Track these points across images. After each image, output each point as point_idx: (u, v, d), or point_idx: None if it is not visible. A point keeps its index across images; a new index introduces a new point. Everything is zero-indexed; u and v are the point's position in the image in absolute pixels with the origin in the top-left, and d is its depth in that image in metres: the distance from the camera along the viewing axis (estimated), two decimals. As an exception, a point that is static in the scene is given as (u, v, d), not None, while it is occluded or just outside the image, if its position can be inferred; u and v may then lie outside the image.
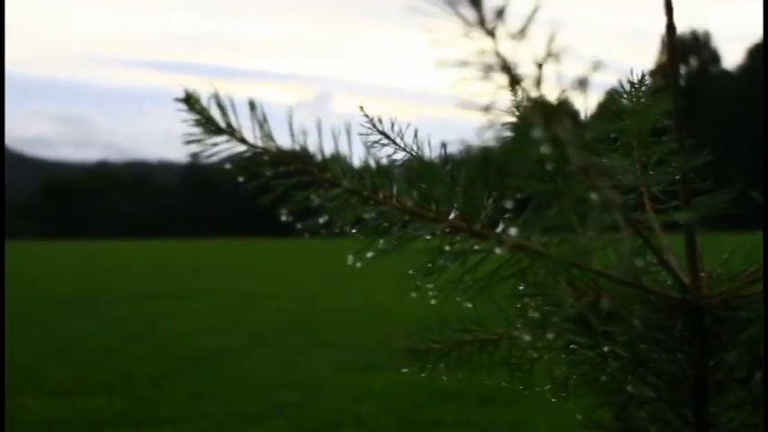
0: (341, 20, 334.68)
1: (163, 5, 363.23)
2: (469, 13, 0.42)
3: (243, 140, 0.59)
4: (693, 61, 77.27)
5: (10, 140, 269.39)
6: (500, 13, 0.40)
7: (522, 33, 0.41)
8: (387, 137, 1.20)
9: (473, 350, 1.03)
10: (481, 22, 0.40)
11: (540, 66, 0.41)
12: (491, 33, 0.42)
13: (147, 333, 10.18)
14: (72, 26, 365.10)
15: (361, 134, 1.16)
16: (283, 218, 0.63)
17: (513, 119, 0.53)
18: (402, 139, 1.20)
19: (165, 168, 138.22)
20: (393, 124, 1.20)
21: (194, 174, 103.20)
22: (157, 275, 22.55)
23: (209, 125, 0.56)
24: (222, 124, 0.58)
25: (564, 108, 0.46)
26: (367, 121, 1.19)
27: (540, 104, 0.44)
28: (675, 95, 0.73)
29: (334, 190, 0.63)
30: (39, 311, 12.75)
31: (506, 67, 0.43)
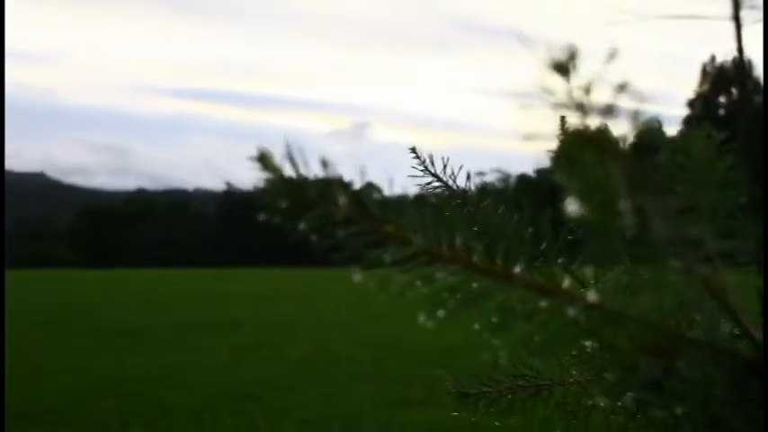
0: (377, 48, 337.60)
1: (202, 35, 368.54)
2: (516, 44, 0.41)
3: (315, 202, 0.57)
4: (736, 91, 76.50)
5: (49, 169, 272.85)
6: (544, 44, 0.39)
7: (568, 62, 0.41)
8: (439, 179, 1.18)
9: (526, 396, 1.00)
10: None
11: (586, 94, 0.41)
12: (538, 62, 0.42)
13: (189, 364, 10.16)
14: (115, 55, 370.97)
15: (411, 176, 1.13)
16: (356, 277, 0.62)
17: (564, 150, 0.53)
18: (454, 181, 1.18)
19: (202, 196, 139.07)
20: (445, 166, 1.18)
21: (231, 201, 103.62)
22: (197, 305, 22.58)
23: (283, 184, 0.55)
24: (294, 180, 0.57)
25: (613, 142, 0.46)
26: (419, 164, 1.17)
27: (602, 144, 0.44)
28: (742, 144, 0.72)
29: (405, 249, 0.62)
30: (79, 341, 12.79)
31: (555, 97, 0.42)
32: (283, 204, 0.59)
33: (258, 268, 55.83)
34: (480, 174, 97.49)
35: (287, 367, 9.76)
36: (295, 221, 0.60)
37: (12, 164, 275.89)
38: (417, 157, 1.17)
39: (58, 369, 9.15)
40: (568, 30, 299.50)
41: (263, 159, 0.58)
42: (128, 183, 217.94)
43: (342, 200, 0.59)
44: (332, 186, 0.61)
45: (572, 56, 0.41)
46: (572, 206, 0.53)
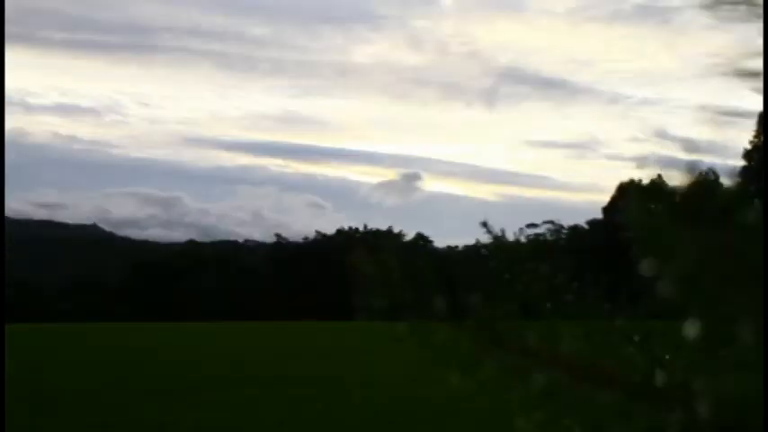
0: (425, 98, 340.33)
1: (250, 88, 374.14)
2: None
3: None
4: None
5: (102, 221, 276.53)
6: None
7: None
8: (510, 251, 1.07)
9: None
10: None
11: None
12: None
13: (245, 421, 9.76)
14: (165, 109, 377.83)
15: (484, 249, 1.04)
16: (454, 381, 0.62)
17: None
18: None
19: (251, 248, 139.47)
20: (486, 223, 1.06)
21: (281, 253, 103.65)
22: (250, 360, 22.17)
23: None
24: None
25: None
26: (493, 242, 1.06)
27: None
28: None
29: (507, 355, 0.62)
30: (134, 396, 12.43)
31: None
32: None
33: (308, 321, 55.40)
34: (532, 226, 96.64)
35: (338, 429, 9.35)
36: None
37: (65, 217, 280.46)
38: (489, 231, 1.05)
39: (116, 423, 8.72)
40: (618, 81, 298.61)
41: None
42: (178, 235, 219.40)
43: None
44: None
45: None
46: (648, 263, 0.52)
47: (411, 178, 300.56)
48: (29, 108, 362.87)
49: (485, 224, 0.91)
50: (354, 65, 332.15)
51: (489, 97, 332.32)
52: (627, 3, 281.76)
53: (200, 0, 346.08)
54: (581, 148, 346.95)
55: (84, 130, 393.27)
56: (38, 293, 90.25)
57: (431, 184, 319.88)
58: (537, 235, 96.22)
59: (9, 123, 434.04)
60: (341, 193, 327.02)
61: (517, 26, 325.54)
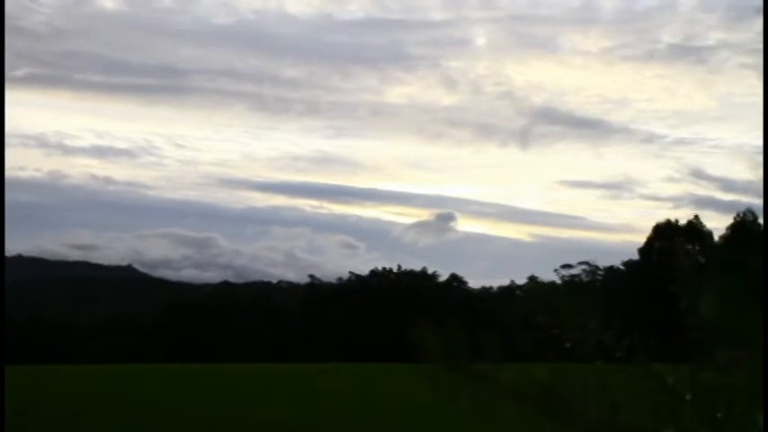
0: (458, 138, 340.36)
1: (283, 129, 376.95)
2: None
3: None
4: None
5: (136, 263, 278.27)
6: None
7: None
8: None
9: None
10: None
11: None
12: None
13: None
14: (199, 150, 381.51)
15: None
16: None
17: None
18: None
19: (285, 289, 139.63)
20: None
21: (314, 294, 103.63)
22: (283, 402, 22.06)
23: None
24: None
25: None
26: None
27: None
28: None
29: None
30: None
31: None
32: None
33: (343, 363, 55.15)
34: (567, 267, 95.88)
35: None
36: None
37: (100, 258, 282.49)
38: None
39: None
40: (653, 120, 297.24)
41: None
42: (212, 275, 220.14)
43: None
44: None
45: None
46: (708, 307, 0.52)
47: (445, 218, 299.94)
48: (66, 150, 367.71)
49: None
50: (388, 105, 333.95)
51: (523, 137, 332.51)
52: (661, 42, 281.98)
53: (234, 42, 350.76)
54: (616, 188, 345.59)
55: (119, 171, 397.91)
56: (73, 334, 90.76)
57: (464, 225, 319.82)
58: (572, 276, 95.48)
59: (47, 166, 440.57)
60: (374, 233, 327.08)
61: (551, 66, 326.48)
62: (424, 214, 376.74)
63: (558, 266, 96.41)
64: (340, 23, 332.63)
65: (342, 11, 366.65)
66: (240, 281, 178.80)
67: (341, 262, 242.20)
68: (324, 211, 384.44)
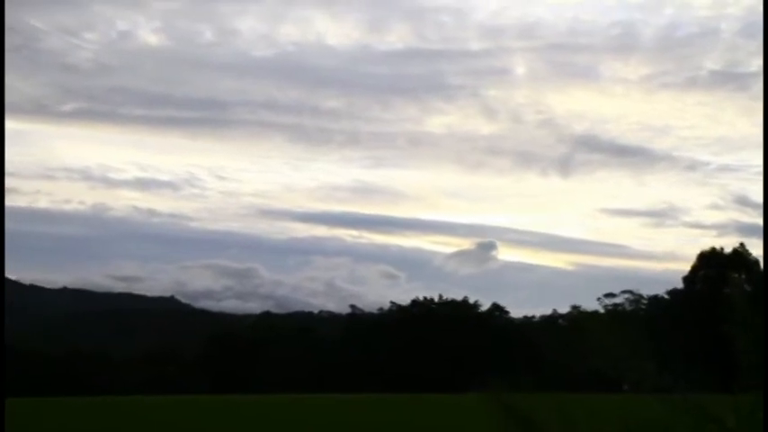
0: (498, 167, 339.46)
1: (324, 160, 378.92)
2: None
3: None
4: None
5: (179, 294, 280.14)
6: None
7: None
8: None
9: None
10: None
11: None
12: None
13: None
14: (240, 182, 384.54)
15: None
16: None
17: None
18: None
19: (326, 319, 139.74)
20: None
21: (356, 324, 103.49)
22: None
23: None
24: None
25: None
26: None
27: None
28: None
29: None
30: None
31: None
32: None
33: (384, 394, 55.00)
34: (610, 296, 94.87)
35: None
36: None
37: (143, 289, 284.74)
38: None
39: None
40: (696, 148, 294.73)
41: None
42: (253, 306, 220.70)
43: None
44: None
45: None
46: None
47: (485, 247, 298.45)
48: (110, 183, 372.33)
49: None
50: (428, 135, 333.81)
51: (564, 165, 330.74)
52: (703, 69, 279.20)
53: (274, 74, 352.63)
54: (659, 215, 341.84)
55: (162, 203, 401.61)
56: (117, 365, 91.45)
57: (505, 254, 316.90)
58: (615, 305, 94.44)
59: (92, 198, 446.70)
60: (415, 263, 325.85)
61: (591, 94, 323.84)
62: (465, 243, 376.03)
63: (600, 295, 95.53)
64: (379, 54, 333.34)
65: (381, 42, 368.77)
66: (281, 311, 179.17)
67: (382, 292, 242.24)
68: (364, 240, 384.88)
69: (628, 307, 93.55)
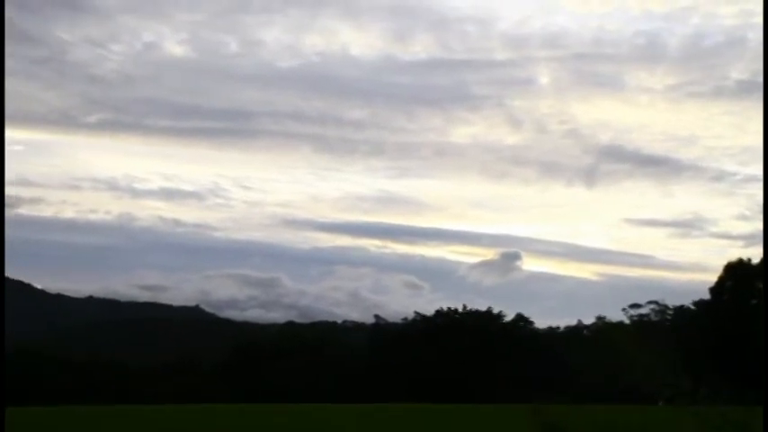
0: (523, 177, 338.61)
1: (348, 170, 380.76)
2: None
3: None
4: None
5: (204, 304, 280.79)
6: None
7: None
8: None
9: None
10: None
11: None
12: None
13: None
14: (264, 192, 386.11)
15: None
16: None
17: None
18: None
19: (350, 329, 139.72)
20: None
21: (380, 334, 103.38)
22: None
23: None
24: None
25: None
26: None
27: None
28: None
29: None
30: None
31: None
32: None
33: (408, 404, 54.81)
34: (635, 306, 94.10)
35: None
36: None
37: (168, 298, 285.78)
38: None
39: None
40: (723, 158, 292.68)
41: None
42: (277, 316, 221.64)
43: None
44: None
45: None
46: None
47: (510, 258, 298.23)
48: (135, 193, 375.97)
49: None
50: (452, 145, 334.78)
51: (589, 175, 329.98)
52: (729, 79, 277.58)
53: (299, 84, 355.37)
54: (685, 226, 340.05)
55: (187, 213, 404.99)
56: (142, 374, 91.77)
57: (530, 264, 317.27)
58: (641, 316, 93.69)
59: (117, 208, 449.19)
60: (439, 272, 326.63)
61: (616, 104, 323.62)
62: (489, 253, 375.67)
63: (626, 306, 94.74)
64: (404, 64, 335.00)
65: (405, 52, 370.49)
66: (305, 321, 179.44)
67: (405, 302, 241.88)
68: (388, 250, 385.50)
69: (653, 318, 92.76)
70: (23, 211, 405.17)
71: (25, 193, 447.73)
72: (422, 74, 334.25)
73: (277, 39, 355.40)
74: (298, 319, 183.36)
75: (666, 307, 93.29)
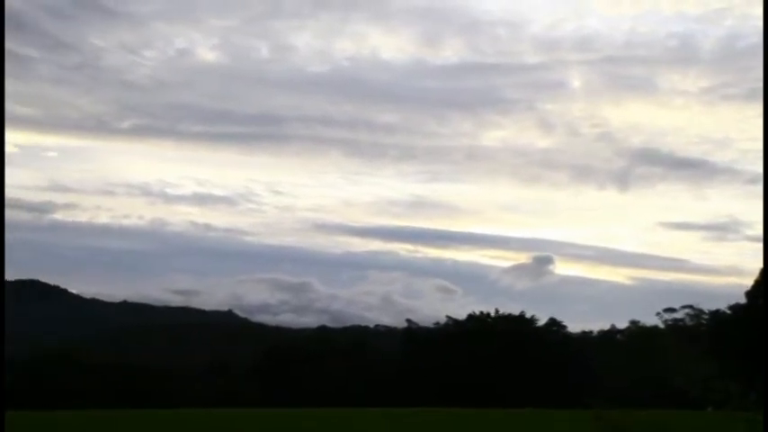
0: (555, 181, 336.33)
1: (379, 174, 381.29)
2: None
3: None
4: None
5: (236, 308, 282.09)
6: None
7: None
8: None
9: None
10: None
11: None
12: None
13: None
14: (296, 197, 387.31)
15: None
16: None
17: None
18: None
19: (382, 333, 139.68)
20: None
21: (412, 338, 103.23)
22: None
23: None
24: None
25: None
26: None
27: None
28: None
29: None
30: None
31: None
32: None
33: (440, 408, 54.65)
34: (670, 310, 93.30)
35: None
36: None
37: (200, 303, 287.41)
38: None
39: None
40: (758, 160, 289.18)
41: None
42: (309, 320, 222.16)
43: None
44: None
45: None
46: None
47: (542, 262, 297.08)
48: (168, 198, 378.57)
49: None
50: (483, 149, 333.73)
51: (622, 179, 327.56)
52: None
53: (330, 89, 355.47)
54: (720, 229, 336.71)
55: (219, 218, 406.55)
56: (176, 379, 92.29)
57: (562, 268, 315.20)
58: (675, 320, 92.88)
59: (150, 214, 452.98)
60: (471, 277, 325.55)
61: (649, 107, 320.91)
62: (521, 257, 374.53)
63: (660, 310, 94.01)
64: (434, 68, 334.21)
65: (436, 56, 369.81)
66: (337, 325, 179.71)
67: (438, 306, 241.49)
68: (420, 255, 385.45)
69: (688, 322, 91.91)
70: (58, 216, 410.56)
71: (60, 198, 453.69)
72: (452, 77, 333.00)
73: (308, 44, 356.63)
74: (329, 324, 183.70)
75: (702, 311, 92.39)
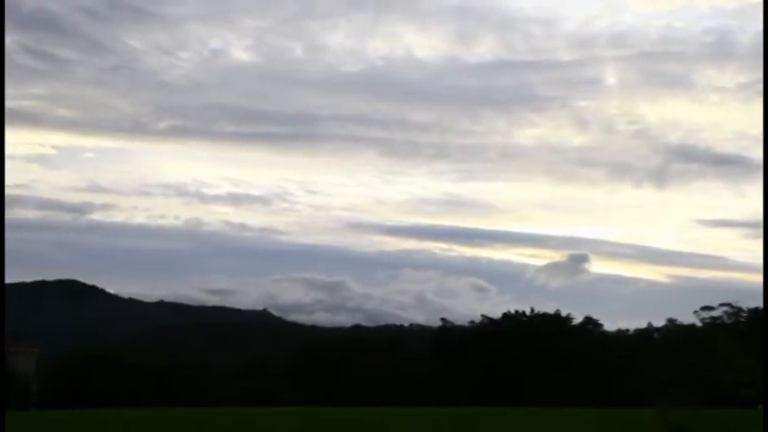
0: (591, 178, 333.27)
1: (413, 173, 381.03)
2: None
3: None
4: None
5: (271, 307, 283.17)
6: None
7: None
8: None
9: None
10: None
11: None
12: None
13: None
14: (330, 196, 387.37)
15: None
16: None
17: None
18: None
19: (416, 332, 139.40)
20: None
21: (447, 337, 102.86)
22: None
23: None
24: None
25: None
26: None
27: None
28: None
29: None
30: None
31: None
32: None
33: (475, 407, 54.43)
34: (708, 309, 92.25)
35: None
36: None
37: (235, 302, 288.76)
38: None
39: None
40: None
41: None
42: (343, 319, 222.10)
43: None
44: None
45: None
46: None
47: (578, 260, 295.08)
48: (203, 198, 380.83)
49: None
50: (518, 147, 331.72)
51: (659, 176, 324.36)
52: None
53: (364, 88, 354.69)
54: (758, 226, 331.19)
55: (253, 217, 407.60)
56: (211, 377, 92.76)
57: (598, 266, 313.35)
58: (713, 318, 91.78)
59: (186, 214, 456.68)
60: (505, 275, 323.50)
61: (685, 103, 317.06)
62: (557, 256, 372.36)
63: (697, 308, 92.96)
64: (468, 66, 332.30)
65: (469, 54, 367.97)
66: (371, 324, 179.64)
67: (472, 305, 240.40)
68: (454, 253, 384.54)
69: (726, 320, 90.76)
70: (96, 216, 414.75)
71: (97, 199, 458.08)
72: (486, 75, 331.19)
73: (341, 43, 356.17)
74: (364, 323, 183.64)
75: (740, 309, 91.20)
